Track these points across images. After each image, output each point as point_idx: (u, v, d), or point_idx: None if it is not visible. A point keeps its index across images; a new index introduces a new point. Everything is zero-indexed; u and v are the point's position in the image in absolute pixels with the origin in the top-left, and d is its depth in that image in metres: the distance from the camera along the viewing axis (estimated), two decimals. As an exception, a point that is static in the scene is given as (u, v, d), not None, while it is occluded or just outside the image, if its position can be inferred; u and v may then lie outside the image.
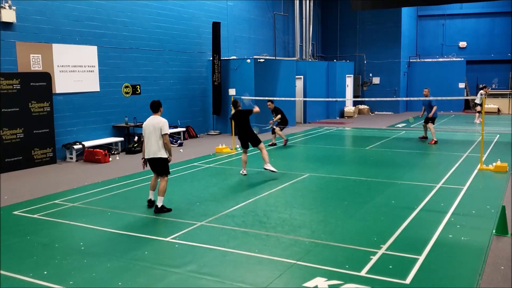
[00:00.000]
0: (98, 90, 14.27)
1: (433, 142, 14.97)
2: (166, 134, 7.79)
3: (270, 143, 15.04)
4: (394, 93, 27.23)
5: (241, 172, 10.75)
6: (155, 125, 7.77)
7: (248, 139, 10.67)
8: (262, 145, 10.67)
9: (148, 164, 8.12)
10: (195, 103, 18.32)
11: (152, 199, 8.16)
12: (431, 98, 15.65)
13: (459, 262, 5.61)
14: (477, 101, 21.38)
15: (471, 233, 6.56)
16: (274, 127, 15.07)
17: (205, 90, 18.70)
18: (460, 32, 29.32)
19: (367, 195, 8.75)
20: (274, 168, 10.41)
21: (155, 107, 7.97)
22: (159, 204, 7.79)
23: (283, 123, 15.16)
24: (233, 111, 10.95)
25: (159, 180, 8.04)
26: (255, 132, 10.90)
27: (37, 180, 10.65)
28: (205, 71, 18.72)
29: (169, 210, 7.85)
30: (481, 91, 20.82)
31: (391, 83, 27.58)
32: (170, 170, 8.06)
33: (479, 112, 21.02)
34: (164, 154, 7.85)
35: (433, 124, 15.63)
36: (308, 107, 22.74)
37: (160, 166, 7.90)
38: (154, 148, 7.80)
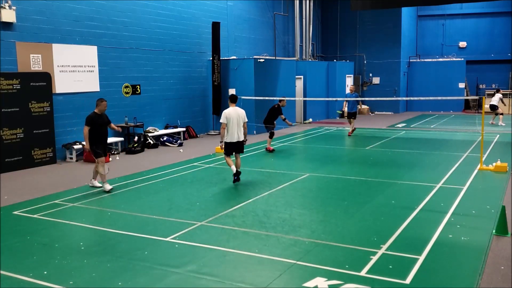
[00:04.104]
0: (98, 90, 14.26)
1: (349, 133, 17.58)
2: (246, 121, 9.99)
3: (270, 148, 14.03)
4: (394, 93, 27.23)
5: (94, 184, 9.73)
6: (240, 115, 9.80)
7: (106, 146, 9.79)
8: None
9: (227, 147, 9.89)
10: (195, 103, 18.32)
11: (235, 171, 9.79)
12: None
13: (459, 262, 5.61)
14: (495, 103, 20.81)
15: (471, 233, 6.57)
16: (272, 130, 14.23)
17: (205, 90, 18.70)
18: (460, 32, 29.31)
19: (367, 195, 8.75)
20: (99, 184, 9.66)
21: (236, 99, 9.98)
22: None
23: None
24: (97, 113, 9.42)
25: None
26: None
27: (37, 180, 10.65)
28: (205, 71, 18.72)
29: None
30: (499, 95, 20.78)
31: (391, 83, 27.58)
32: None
33: (501, 114, 20.91)
34: (243, 138, 9.98)
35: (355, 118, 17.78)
36: (308, 107, 22.73)
37: (241, 147, 10.00)
38: (238, 133, 9.79)
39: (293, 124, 15.88)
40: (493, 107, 20.70)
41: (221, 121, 9.71)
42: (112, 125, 9.72)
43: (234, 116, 9.70)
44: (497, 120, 20.97)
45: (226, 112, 9.69)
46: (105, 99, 9.61)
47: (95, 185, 9.69)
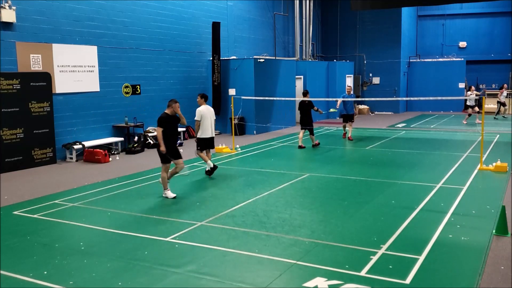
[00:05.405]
0: (98, 90, 14.26)
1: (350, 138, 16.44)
2: (214, 119, 10.81)
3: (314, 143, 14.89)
4: (394, 93, 27.23)
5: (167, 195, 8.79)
6: (211, 112, 10.65)
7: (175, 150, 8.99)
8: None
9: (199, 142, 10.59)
10: (195, 103, 18.17)
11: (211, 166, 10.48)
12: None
13: (459, 262, 5.61)
14: (472, 102, 21.25)
15: (471, 233, 6.56)
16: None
17: (205, 90, 18.67)
18: (460, 32, 29.32)
19: (367, 195, 8.75)
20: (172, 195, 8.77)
21: (207, 97, 10.83)
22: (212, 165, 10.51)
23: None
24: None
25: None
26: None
27: (37, 180, 10.65)
28: (205, 71, 18.72)
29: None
30: (470, 93, 21.09)
31: (391, 83, 27.58)
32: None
33: (478, 112, 21.29)
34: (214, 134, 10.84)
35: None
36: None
37: (213, 143, 10.82)
38: (213, 129, 10.63)
39: (323, 112, 16.28)
40: (469, 106, 21.18)
41: (195, 118, 10.42)
42: (183, 120, 8.89)
43: (207, 113, 10.55)
44: (473, 119, 21.47)
45: (200, 110, 10.47)
46: (177, 101, 8.81)
47: (169, 196, 8.70)
